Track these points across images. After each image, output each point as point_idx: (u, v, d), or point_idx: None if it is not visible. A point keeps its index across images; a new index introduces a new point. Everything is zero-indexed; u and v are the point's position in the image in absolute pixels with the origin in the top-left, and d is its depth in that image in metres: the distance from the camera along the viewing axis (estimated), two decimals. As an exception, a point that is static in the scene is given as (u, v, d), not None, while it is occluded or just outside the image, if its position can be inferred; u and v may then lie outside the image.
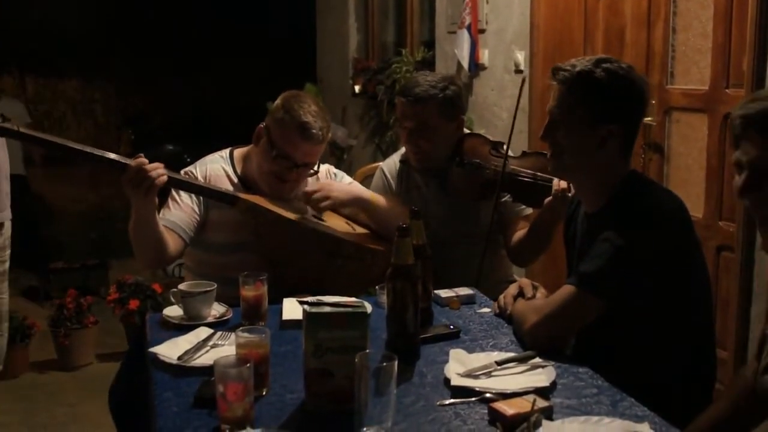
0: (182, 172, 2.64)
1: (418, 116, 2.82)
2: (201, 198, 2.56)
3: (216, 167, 2.66)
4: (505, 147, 2.78)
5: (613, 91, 2.02)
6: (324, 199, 2.57)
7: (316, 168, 2.65)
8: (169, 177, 2.36)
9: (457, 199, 2.90)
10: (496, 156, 2.82)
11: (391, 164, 3.06)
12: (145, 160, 2.32)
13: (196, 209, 2.56)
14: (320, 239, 2.53)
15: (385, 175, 3.04)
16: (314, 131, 2.51)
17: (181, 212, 2.54)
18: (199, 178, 2.62)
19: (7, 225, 2.72)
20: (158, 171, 2.32)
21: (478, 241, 2.80)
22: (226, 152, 2.73)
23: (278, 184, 2.59)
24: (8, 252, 2.77)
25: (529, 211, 2.88)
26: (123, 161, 2.33)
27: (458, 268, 2.81)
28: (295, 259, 2.50)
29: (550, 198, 2.60)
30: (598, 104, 2.02)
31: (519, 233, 2.85)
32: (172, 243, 2.47)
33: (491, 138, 2.95)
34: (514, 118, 2.80)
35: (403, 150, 3.04)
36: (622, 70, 2.04)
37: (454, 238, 2.91)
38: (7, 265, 2.76)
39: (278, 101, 2.60)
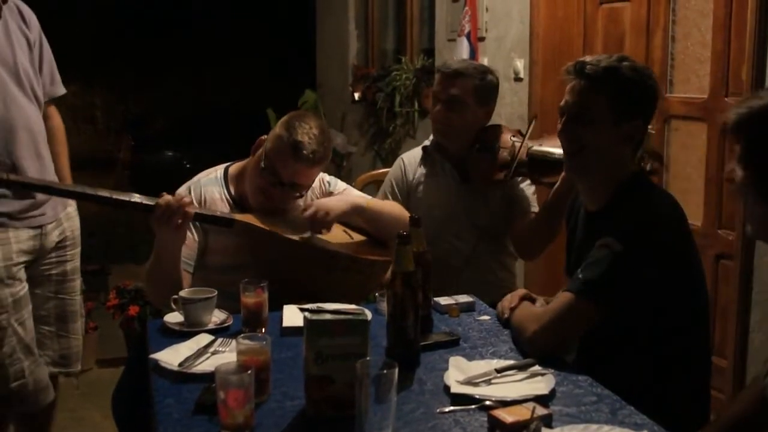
0: (177, 194, 2.62)
1: (453, 88, 2.92)
2: (198, 224, 2.54)
3: (210, 190, 2.63)
4: (524, 130, 2.91)
5: (638, 87, 2.05)
6: (326, 217, 2.51)
7: (303, 192, 2.61)
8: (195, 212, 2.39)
9: (474, 186, 2.98)
10: (516, 140, 2.90)
11: (412, 154, 3.15)
12: (170, 197, 2.34)
13: (196, 237, 2.55)
14: (317, 255, 2.51)
15: (402, 164, 3.12)
16: (305, 152, 2.45)
17: (185, 248, 2.50)
18: (194, 201, 2.58)
19: (65, 224, 2.77)
20: (185, 200, 2.34)
21: (490, 237, 2.92)
22: (220, 171, 2.69)
23: (262, 199, 2.55)
24: (73, 251, 2.82)
25: (536, 208, 2.92)
26: (148, 202, 2.35)
27: (468, 260, 2.87)
28: (293, 275, 2.46)
29: None
30: (625, 100, 2.04)
31: (525, 221, 2.92)
32: (185, 280, 2.49)
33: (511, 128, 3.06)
34: (530, 113, 2.86)
35: (427, 142, 3.11)
36: (642, 67, 2.09)
37: (465, 227, 2.99)
38: (69, 266, 2.80)
39: (285, 117, 2.57)
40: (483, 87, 2.95)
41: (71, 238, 2.80)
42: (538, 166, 2.80)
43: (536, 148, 2.82)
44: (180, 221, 2.33)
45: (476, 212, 2.99)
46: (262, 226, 2.48)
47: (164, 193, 2.36)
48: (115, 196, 2.38)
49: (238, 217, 2.49)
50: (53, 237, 2.73)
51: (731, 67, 3.27)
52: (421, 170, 3.07)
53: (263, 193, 2.54)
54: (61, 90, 2.86)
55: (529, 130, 2.86)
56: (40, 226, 2.68)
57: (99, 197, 2.38)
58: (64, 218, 2.78)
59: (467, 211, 2.99)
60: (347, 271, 2.54)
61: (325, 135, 2.54)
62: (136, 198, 2.39)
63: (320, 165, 2.55)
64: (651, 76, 2.10)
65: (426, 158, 3.08)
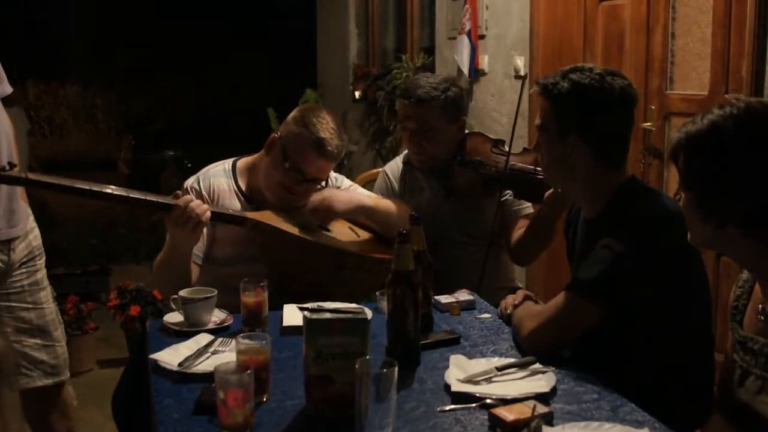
0: (186, 185, 2.64)
1: (419, 118, 2.85)
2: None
3: (218, 182, 2.65)
4: (506, 144, 2.82)
5: (574, 102, 2.04)
6: (326, 211, 2.56)
7: (324, 183, 2.66)
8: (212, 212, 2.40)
9: (459, 198, 2.93)
10: (498, 153, 2.85)
11: (393, 166, 3.09)
12: (189, 197, 2.36)
13: (204, 230, 2.55)
14: (327, 254, 2.53)
15: (387, 177, 3.07)
16: (330, 148, 2.50)
17: None
18: (203, 192, 2.61)
19: (31, 237, 2.71)
20: (202, 206, 2.36)
21: (482, 242, 2.83)
22: (228, 164, 2.71)
23: (285, 195, 2.58)
24: (40, 262, 2.76)
25: (530, 210, 2.89)
26: (167, 202, 2.36)
27: (462, 269, 2.83)
28: (302, 272, 2.49)
29: (549, 192, 2.59)
30: (562, 116, 2.07)
31: (519, 231, 2.85)
32: (194, 272, 2.51)
33: (492, 137, 2.97)
34: (516, 117, 2.82)
35: (405, 152, 3.06)
36: (588, 78, 2.03)
37: (458, 238, 2.94)
38: (39, 275, 2.75)
39: (296, 113, 2.58)
40: (448, 105, 2.86)
41: (38, 248, 2.75)
42: (522, 186, 2.74)
43: (518, 164, 2.75)
44: (196, 223, 2.35)
45: (468, 222, 2.94)
46: (272, 223, 2.49)
47: (179, 192, 2.37)
48: (132, 195, 2.38)
49: (250, 215, 2.51)
50: (21, 251, 2.67)
51: (731, 64, 3.26)
52: (407, 185, 3.02)
53: (287, 190, 2.56)
54: (8, 89, 2.68)
55: (511, 147, 2.78)
56: (9, 240, 2.62)
57: (115, 196, 2.38)
58: (30, 230, 2.72)
59: (459, 222, 2.94)
60: (355, 269, 2.55)
61: (339, 126, 2.58)
62: (152, 197, 2.39)
63: (341, 157, 2.59)
64: (599, 86, 2.02)
65: (408, 172, 3.03)
